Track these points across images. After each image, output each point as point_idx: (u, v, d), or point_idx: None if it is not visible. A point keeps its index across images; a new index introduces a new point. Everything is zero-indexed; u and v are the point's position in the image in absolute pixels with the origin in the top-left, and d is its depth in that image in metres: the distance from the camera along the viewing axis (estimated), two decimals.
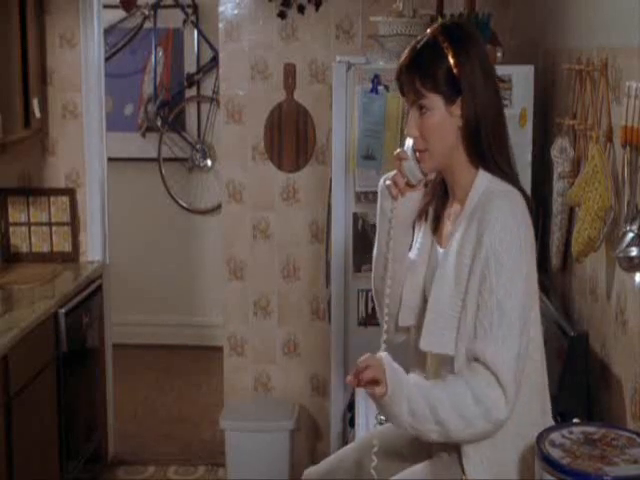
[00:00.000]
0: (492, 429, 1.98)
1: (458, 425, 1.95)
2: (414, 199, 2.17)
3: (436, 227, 2.17)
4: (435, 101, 2.03)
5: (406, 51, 2.09)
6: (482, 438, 2.01)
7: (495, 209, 1.97)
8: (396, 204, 2.15)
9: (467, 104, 2.02)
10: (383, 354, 2.02)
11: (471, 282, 1.99)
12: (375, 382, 1.97)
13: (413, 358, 2.23)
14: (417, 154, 2.09)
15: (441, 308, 2.04)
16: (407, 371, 2.09)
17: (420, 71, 2.04)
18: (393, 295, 2.17)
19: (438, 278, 2.07)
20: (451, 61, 2.01)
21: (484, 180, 2.05)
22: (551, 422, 2.11)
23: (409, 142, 2.11)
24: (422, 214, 2.20)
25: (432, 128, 2.04)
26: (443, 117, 2.04)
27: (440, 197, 2.18)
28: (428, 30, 2.10)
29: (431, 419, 1.96)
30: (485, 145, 2.04)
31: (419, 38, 2.09)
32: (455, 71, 2.01)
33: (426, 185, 2.18)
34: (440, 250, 2.12)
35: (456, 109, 2.03)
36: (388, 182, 2.16)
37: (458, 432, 1.97)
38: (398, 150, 2.14)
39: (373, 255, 2.27)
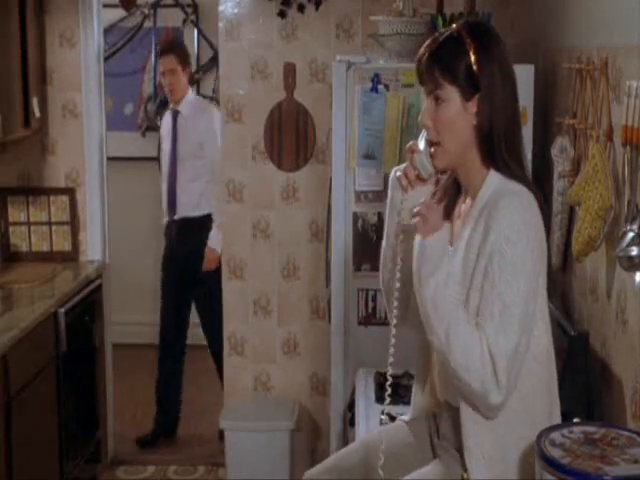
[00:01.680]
0: (481, 398, 1.96)
1: (459, 357, 1.95)
2: (424, 193, 2.16)
3: None
4: (452, 93, 2.03)
5: (427, 41, 2.09)
6: (468, 397, 2.00)
7: (503, 207, 1.98)
8: (406, 196, 2.16)
9: (483, 103, 2.02)
10: (448, 226, 2.08)
11: (475, 278, 2.00)
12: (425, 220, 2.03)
13: (419, 352, 2.26)
14: (431, 149, 2.09)
15: None
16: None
17: (440, 61, 2.03)
18: (402, 289, 2.17)
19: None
20: (472, 58, 2.01)
21: (494, 180, 2.05)
22: None
23: (423, 135, 2.11)
24: None
25: (446, 120, 2.04)
26: (458, 111, 2.03)
27: (451, 197, 2.18)
28: (453, 25, 2.10)
29: (445, 324, 1.96)
30: (497, 145, 2.04)
31: (442, 31, 2.10)
32: (475, 68, 2.01)
33: (437, 183, 2.18)
34: (450, 248, 2.12)
35: (472, 106, 2.03)
36: (399, 173, 2.17)
37: (455, 363, 1.96)
38: (411, 142, 2.14)
39: (382, 247, 2.28)
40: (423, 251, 2.01)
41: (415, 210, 2.03)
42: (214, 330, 4.72)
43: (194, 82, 6.14)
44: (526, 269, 1.97)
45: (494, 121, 2.03)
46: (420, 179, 2.13)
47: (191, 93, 4.89)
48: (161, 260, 4.96)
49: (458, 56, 2.02)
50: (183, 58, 4.79)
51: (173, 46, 4.85)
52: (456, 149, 2.07)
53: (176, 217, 4.80)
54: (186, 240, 4.81)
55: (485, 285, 1.97)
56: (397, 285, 2.16)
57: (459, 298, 2.00)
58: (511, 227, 1.96)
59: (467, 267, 2.02)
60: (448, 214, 2.17)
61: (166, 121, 4.89)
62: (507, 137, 2.05)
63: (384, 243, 2.27)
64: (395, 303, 2.15)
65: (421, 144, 2.10)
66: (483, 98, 2.02)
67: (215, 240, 4.72)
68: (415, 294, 2.04)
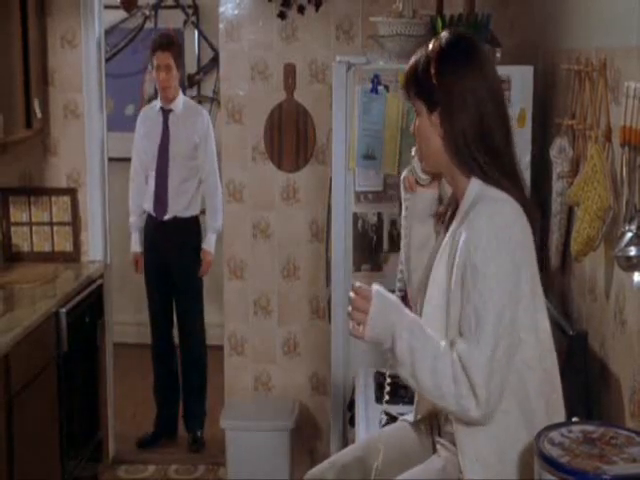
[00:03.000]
0: (462, 416, 2.00)
1: (431, 391, 1.99)
2: (428, 197, 2.27)
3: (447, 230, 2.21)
4: (420, 107, 2.11)
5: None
6: (451, 413, 2.04)
7: (473, 216, 2.00)
8: (409, 196, 2.29)
9: (444, 116, 2.06)
10: (376, 287, 2.03)
11: (453, 289, 2.02)
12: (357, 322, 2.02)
13: None
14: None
15: (431, 313, 2.08)
16: None
17: (412, 78, 2.12)
18: (413, 282, 2.27)
19: (430, 283, 2.11)
20: (432, 73, 2.06)
21: (476, 187, 2.07)
22: None
23: None
24: (441, 217, 2.25)
25: (419, 132, 2.13)
26: (426, 124, 2.10)
27: (452, 205, 2.21)
28: (434, 39, 2.14)
29: (409, 371, 1.99)
30: (467, 155, 2.06)
31: (428, 44, 2.14)
32: (434, 83, 2.05)
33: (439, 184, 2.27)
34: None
35: (435, 119, 2.07)
36: (403, 175, 2.30)
37: (430, 395, 2.00)
38: (414, 148, 2.24)
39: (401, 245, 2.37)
40: (369, 340, 2.02)
41: (348, 313, 2.03)
42: (192, 331, 4.79)
43: (194, 83, 6.17)
44: (500, 277, 1.96)
45: (456, 133, 2.05)
46: (418, 183, 2.26)
47: (181, 94, 4.78)
48: (144, 260, 4.86)
49: (423, 73, 2.08)
50: (178, 57, 4.72)
51: (171, 43, 4.79)
52: (430, 156, 2.14)
53: (166, 217, 4.69)
54: (175, 240, 4.71)
55: (463, 297, 1.99)
56: (399, 275, 2.25)
57: (415, 332, 2.00)
58: (479, 235, 1.96)
59: (449, 278, 2.04)
60: (451, 221, 2.20)
61: (150, 119, 4.77)
62: (478, 145, 2.05)
63: (402, 241, 2.36)
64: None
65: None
66: (442, 113, 2.06)
67: (212, 243, 4.71)
68: None
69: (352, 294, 2.03)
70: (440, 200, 2.29)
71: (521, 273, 2.00)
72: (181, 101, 4.73)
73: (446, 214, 2.23)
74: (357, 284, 2.05)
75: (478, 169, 2.05)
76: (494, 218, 1.98)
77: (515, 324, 1.99)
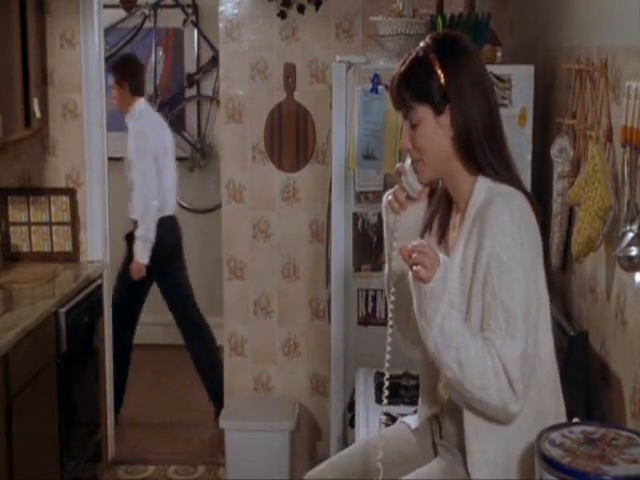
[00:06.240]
0: (501, 411, 1.97)
1: (474, 379, 1.94)
2: (417, 211, 2.19)
3: (441, 238, 2.19)
4: (424, 112, 2.05)
5: (398, 66, 2.11)
6: (488, 413, 1.99)
7: (494, 211, 1.98)
8: (399, 217, 2.18)
9: (455, 114, 2.04)
10: (444, 258, 1.98)
11: (474, 287, 2.00)
12: (423, 266, 1.95)
13: (425, 366, 2.23)
14: (414, 165, 2.11)
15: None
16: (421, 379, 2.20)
17: (409, 86, 2.06)
18: (401, 308, 2.16)
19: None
20: (438, 72, 2.03)
21: (484, 186, 2.06)
22: None
23: (408, 156, 2.14)
24: (428, 226, 2.21)
25: (424, 140, 2.07)
26: (433, 128, 2.05)
27: (445, 208, 2.19)
28: (421, 43, 2.11)
29: (454, 353, 1.94)
30: (480, 151, 2.05)
31: (411, 51, 2.11)
32: (442, 82, 2.02)
33: (432, 194, 2.19)
34: (446, 259, 2.13)
35: (445, 119, 2.05)
36: (390, 197, 2.19)
37: (472, 385, 1.95)
38: (398, 165, 2.18)
39: (384, 273, 2.27)
40: (426, 294, 1.95)
41: (412, 259, 1.95)
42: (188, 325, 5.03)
43: (194, 82, 6.18)
44: (525, 271, 1.97)
45: (470, 128, 2.04)
46: (410, 199, 2.16)
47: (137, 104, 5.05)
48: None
49: (425, 76, 2.04)
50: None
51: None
52: (438, 161, 2.08)
53: None
54: None
55: (486, 294, 1.97)
56: (391, 307, 2.16)
57: (462, 317, 1.99)
58: (504, 231, 1.96)
59: (465, 277, 2.03)
60: (442, 227, 2.18)
61: None
62: (488, 141, 2.05)
63: (386, 269, 2.26)
64: (391, 306, 2.16)
65: (407, 165, 2.14)
66: (454, 109, 2.03)
67: (136, 251, 4.87)
68: (420, 332, 2.00)
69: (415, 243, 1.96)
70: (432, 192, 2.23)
71: (538, 267, 2.03)
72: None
73: (433, 218, 2.20)
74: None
75: (488, 166, 2.05)
76: (514, 213, 1.98)
77: (537, 319, 2.00)
